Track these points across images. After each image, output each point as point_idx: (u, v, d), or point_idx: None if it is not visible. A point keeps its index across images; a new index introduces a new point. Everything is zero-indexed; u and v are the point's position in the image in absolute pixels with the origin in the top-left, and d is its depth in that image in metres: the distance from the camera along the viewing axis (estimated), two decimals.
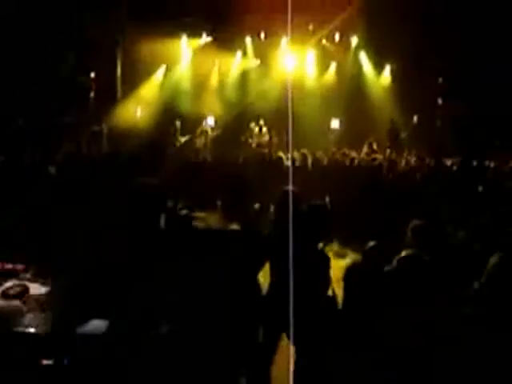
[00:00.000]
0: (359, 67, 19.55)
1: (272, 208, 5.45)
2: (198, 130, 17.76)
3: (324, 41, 19.30)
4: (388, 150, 15.64)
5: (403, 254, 4.12)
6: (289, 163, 10.83)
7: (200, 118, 18.63)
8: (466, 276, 4.03)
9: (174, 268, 3.72)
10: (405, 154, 15.04)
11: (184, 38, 19.59)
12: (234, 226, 4.29)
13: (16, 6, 13.70)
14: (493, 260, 3.85)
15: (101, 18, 16.26)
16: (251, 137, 17.36)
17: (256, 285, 4.62)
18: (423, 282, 3.87)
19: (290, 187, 4.93)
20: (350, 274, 4.42)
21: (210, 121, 18.82)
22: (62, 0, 14.73)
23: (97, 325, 3.64)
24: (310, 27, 18.47)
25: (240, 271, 4.20)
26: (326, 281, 4.58)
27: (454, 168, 11.76)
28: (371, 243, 4.73)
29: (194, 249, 3.88)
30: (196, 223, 4.12)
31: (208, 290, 3.91)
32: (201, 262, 3.82)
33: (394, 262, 4.12)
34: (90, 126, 16.72)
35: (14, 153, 10.93)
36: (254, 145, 15.61)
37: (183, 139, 17.37)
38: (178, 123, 17.71)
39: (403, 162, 13.09)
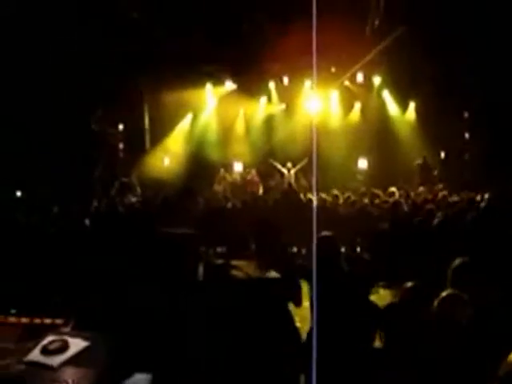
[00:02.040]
0: (383, 106, 19.60)
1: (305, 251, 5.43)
2: (217, 177, 17.84)
3: (347, 82, 19.44)
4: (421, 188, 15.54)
5: (443, 294, 4.07)
6: (315, 204, 10.78)
7: (227, 165, 18.81)
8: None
9: (214, 319, 3.70)
10: (438, 191, 14.92)
11: (208, 86, 19.90)
12: (272, 274, 4.27)
13: (46, 60, 14.05)
14: None
15: (126, 71, 16.60)
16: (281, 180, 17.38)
17: (296, 331, 4.57)
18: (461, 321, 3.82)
19: (317, 231, 4.89)
20: (388, 315, 4.38)
21: (238, 166, 18.96)
22: (89, 52, 15.02)
23: (140, 379, 3.61)
24: (333, 69, 18.67)
25: (279, 319, 4.17)
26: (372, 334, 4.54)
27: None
28: (409, 284, 4.69)
29: (233, 298, 3.86)
30: (233, 272, 4.11)
31: (249, 340, 3.87)
32: (241, 312, 3.80)
33: (435, 303, 4.07)
34: (120, 178, 16.93)
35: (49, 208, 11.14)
36: (283, 188, 15.61)
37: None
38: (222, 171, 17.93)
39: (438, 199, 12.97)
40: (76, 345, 3.92)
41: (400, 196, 13.49)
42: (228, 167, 18.75)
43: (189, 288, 3.80)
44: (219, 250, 10.65)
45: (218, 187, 17.46)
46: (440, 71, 16.13)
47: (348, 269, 5.00)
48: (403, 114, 19.51)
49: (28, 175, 14.61)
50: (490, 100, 17.03)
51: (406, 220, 10.22)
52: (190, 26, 15.32)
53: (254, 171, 17.85)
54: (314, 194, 12.49)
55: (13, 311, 3.76)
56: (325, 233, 5.03)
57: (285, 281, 4.27)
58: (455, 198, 12.60)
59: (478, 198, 12.32)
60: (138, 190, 16.28)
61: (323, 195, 13.07)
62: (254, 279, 4.13)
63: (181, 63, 17.24)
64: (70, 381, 3.52)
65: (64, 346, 3.85)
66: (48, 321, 4.33)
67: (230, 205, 13.08)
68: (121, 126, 19.62)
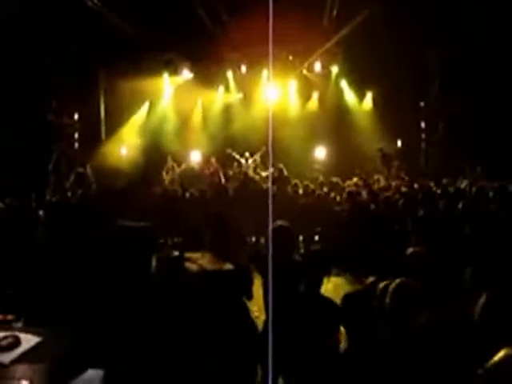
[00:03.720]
0: (341, 95, 19.67)
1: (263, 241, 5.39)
2: (165, 168, 17.65)
3: (305, 71, 19.46)
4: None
5: (396, 281, 4.07)
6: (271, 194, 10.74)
7: (185, 154, 18.67)
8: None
9: (166, 313, 3.63)
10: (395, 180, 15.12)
11: (165, 75, 19.71)
12: (227, 266, 4.22)
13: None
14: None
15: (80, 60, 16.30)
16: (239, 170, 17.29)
17: (251, 323, 4.54)
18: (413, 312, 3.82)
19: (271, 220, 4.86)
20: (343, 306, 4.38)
21: (196, 156, 18.82)
22: (42, 44, 14.68)
23: (93, 375, 3.52)
24: (290, 58, 18.67)
25: (235, 311, 4.13)
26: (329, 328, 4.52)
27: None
28: (371, 279, 4.69)
29: (187, 291, 3.80)
30: (187, 265, 4.05)
31: (204, 333, 3.82)
32: (194, 305, 3.74)
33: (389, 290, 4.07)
34: (75, 169, 16.64)
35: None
36: (241, 177, 15.54)
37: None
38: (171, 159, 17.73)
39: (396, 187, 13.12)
40: (28, 341, 3.82)
41: (358, 185, 13.59)
42: (182, 157, 18.54)
43: (141, 281, 3.73)
44: (176, 240, 10.56)
45: (165, 176, 17.27)
46: (396, 61, 16.22)
47: (299, 259, 4.98)
48: (360, 104, 19.63)
49: None
50: (445, 89, 17.27)
51: (364, 208, 10.28)
52: (146, 13, 15.07)
53: (213, 160, 17.72)
54: (270, 183, 12.46)
55: None
56: (280, 222, 4.99)
57: (238, 273, 4.23)
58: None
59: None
60: (93, 180, 15.99)
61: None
62: (207, 272, 4.08)
63: (137, 51, 17.02)
64: (22, 378, 3.42)
65: (15, 342, 3.75)
66: None
67: (187, 194, 12.98)
68: (76, 116, 19.29)
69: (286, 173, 14.87)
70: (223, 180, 16.27)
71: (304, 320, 4.40)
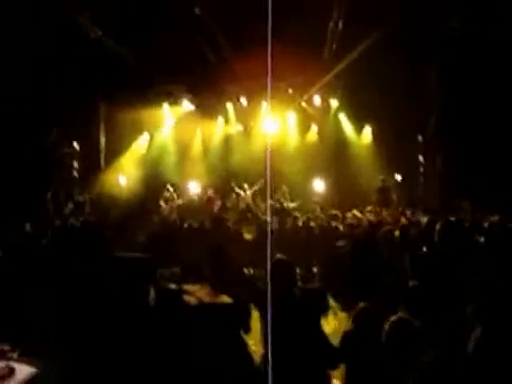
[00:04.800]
0: (339, 128, 19.77)
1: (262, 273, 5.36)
2: (163, 197, 17.67)
3: (304, 104, 19.60)
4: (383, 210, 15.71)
5: (393, 318, 4.04)
6: (269, 227, 10.74)
7: (185, 185, 18.70)
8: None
9: (165, 345, 3.60)
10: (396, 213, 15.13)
11: (166, 106, 19.82)
12: (224, 299, 4.19)
13: None
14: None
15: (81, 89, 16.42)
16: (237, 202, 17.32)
17: (249, 356, 4.49)
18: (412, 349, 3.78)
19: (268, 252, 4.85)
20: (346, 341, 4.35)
21: (195, 186, 18.84)
22: (43, 74, 14.78)
23: None
24: (290, 91, 18.82)
25: (233, 343, 4.09)
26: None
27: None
28: (361, 305, 4.68)
29: (185, 323, 3.77)
30: (186, 298, 4.02)
31: (201, 363, 3.79)
32: (192, 336, 3.71)
33: (385, 327, 4.05)
34: (74, 197, 16.66)
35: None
36: (240, 209, 15.57)
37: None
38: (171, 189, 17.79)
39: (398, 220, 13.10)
40: (23, 371, 3.77)
41: (357, 217, 13.57)
42: (181, 187, 18.59)
43: (140, 314, 3.70)
44: (174, 270, 10.51)
45: (164, 206, 17.29)
46: (395, 95, 16.36)
47: (299, 295, 4.95)
48: (359, 137, 19.70)
49: None
50: (443, 124, 17.38)
51: (364, 241, 10.22)
52: (148, 44, 15.23)
53: (210, 191, 17.77)
54: (269, 215, 12.46)
55: None
56: (279, 256, 4.97)
57: (236, 307, 4.20)
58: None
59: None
60: (92, 209, 16.01)
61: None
62: (205, 305, 4.05)
63: (138, 82, 17.15)
64: None
65: (10, 373, 3.71)
66: None
67: (186, 225, 12.94)
68: (76, 145, 19.36)
69: (285, 205, 14.89)
70: (217, 209, 16.30)
71: (301, 359, 4.35)
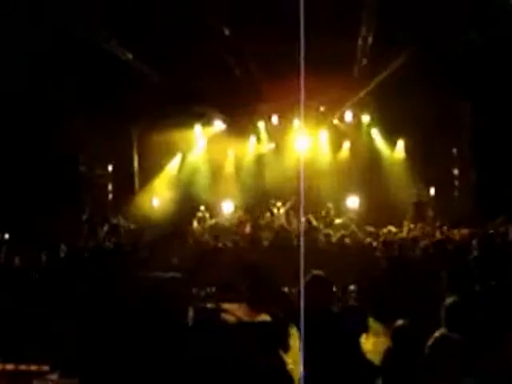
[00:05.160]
0: (372, 144, 19.67)
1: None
2: (196, 218, 17.75)
3: (336, 121, 19.57)
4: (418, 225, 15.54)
5: (436, 334, 3.96)
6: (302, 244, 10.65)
7: (218, 205, 18.76)
8: None
9: (205, 365, 3.57)
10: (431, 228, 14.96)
11: (198, 127, 19.96)
12: (263, 317, 4.15)
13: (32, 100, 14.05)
14: None
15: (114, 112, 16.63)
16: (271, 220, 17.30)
17: (288, 376, 4.43)
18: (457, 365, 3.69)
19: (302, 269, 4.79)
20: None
21: (228, 206, 18.88)
22: (75, 97, 15.04)
23: None
24: (321, 109, 18.81)
25: (270, 364, 4.04)
26: None
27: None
28: (399, 322, 4.60)
29: (223, 342, 3.73)
30: (224, 316, 4.00)
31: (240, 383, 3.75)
32: (231, 357, 3.67)
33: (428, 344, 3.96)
34: (109, 219, 16.83)
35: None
36: (274, 227, 15.53)
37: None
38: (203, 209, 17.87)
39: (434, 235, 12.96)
40: None
41: (395, 234, 13.44)
42: (215, 207, 18.66)
43: (179, 333, 3.69)
44: (208, 290, 10.51)
45: (197, 226, 17.34)
46: (428, 109, 16.24)
47: (338, 313, 4.87)
48: (392, 152, 19.57)
49: (15, 218, 14.46)
50: (477, 136, 17.19)
51: (403, 257, 10.11)
52: (179, 66, 15.37)
53: (241, 212, 17.81)
54: (302, 233, 12.39)
55: None
56: (316, 272, 4.91)
57: (275, 325, 4.15)
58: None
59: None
60: (126, 231, 16.14)
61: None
62: (244, 323, 4.02)
63: (170, 103, 17.30)
64: None
65: None
66: (34, 367, 4.19)
67: (220, 245, 12.94)
68: (110, 167, 19.60)
69: (314, 223, 14.77)
70: (247, 230, 16.29)
71: (339, 379, 4.28)
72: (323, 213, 17.12)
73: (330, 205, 17.35)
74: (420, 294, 7.27)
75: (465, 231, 13.30)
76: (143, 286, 4.31)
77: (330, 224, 16.33)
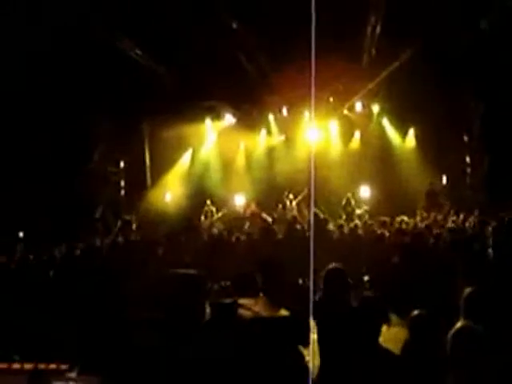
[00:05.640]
0: (383, 133, 19.59)
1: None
2: (204, 210, 17.78)
3: (346, 111, 19.51)
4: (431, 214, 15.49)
5: (459, 326, 3.96)
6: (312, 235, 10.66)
7: (230, 198, 18.78)
8: None
9: (222, 360, 3.58)
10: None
11: (208, 121, 19.99)
12: (282, 312, 4.16)
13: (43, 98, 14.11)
14: None
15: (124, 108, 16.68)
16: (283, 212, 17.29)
17: (306, 371, 4.43)
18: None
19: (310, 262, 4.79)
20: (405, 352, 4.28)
21: (240, 199, 18.89)
22: (86, 94, 15.07)
23: None
24: (331, 99, 18.76)
25: (289, 359, 4.04)
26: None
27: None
28: (415, 312, 4.59)
29: (241, 338, 3.74)
30: (241, 311, 4.00)
31: (258, 378, 3.75)
32: (249, 352, 3.69)
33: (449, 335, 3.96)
34: (122, 216, 16.88)
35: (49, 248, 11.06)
36: (286, 219, 15.53)
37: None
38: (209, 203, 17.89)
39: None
40: None
41: (407, 223, 13.38)
42: (226, 201, 18.69)
43: (197, 329, 3.70)
44: (223, 284, 10.53)
45: (204, 221, 17.38)
46: (438, 97, 16.14)
47: (357, 305, 4.85)
48: (403, 141, 19.49)
49: (30, 217, 14.55)
50: (490, 123, 17.06)
51: (415, 246, 10.08)
52: (188, 60, 15.38)
53: (253, 204, 17.82)
54: (312, 224, 12.37)
55: (16, 357, 3.66)
56: (334, 265, 4.91)
57: (294, 320, 4.15)
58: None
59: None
60: (139, 227, 16.19)
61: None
62: (262, 319, 4.02)
63: (180, 99, 17.31)
64: None
65: None
66: (53, 366, 4.21)
67: (233, 238, 12.96)
68: (122, 164, 19.67)
69: (322, 216, 14.71)
70: (260, 223, 16.29)
71: (361, 371, 4.27)
72: (343, 202, 17.15)
73: (349, 194, 17.34)
74: (434, 283, 7.27)
75: (477, 219, 13.22)
76: (163, 282, 4.32)
77: (351, 214, 16.35)
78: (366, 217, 15.20)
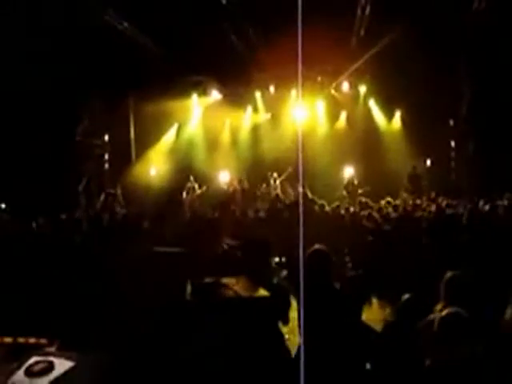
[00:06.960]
0: (369, 115, 19.61)
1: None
2: (185, 188, 17.75)
3: (333, 91, 19.48)
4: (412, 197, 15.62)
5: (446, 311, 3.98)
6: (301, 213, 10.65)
7: (214, 175, 18.74)
8: None
9: (202, 339, 3.61)
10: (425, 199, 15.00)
11: (194, 96, 19.87)
12: (262, 292, 4.17)
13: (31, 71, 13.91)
14: None
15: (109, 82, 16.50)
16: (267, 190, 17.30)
17: (286, 350, 4.47)
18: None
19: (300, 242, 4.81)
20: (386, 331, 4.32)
21: (224, 176, 18.85)
22: (72, 65, 14.88)
23: None
24: (319, 78, 18.72)
25: (268, 338, 4.07)
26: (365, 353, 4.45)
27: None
28: (405, 296, 4.64)
29: (221, 318, 3.76)
30: (222, 291, 4.01)
31: (238, 361, 3.78)
32: (229, 331, 3.71)
33: (432, 319, 4.01)
34: (106, 189, 16.81)
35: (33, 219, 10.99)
36: (271, 197, 15.55)
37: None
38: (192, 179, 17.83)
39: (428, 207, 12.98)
40: (61, 365, 3.79)
41: (389, 205, 13.45)
42: (211, 177, 18.64)
43: (177, 308, 3.71)
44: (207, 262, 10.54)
45: (186, 197, 17.35)
46: (425, 80, 16.14)
47: (339, 286, 4.90)
48: (389, 123, 19.53)
49: (11, 187, 14.44)
50: (475, 107, 17.12)
51: (397, 228, 10.16)
52: (175, 35, 15.22)
53: (235, 181, 17.82)
54: (301, 202, 12.38)
55: None
56: (317, 246, 4.93)
57: (274, 299, 4.18)
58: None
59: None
60: (123, 201, 16.13)
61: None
62: (242, 298, 4.04)
63: (166, 73, 17.16)
64: None
65: (49, 367, 3.72)
66: (32, 340, 4.20)
67: (217, 215, 12.94)
68: (106, 137, 19.53)
69: (310, 195, 14.72)
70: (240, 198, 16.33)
71: (346, 348, 4.32)
72: (346, 181, 17.42)
73: (352, 174, 17.45)
74: (408, 266, 7.34)
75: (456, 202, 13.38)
76: (147, 259, 4.31)
77: (355, 194, 16.42)
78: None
